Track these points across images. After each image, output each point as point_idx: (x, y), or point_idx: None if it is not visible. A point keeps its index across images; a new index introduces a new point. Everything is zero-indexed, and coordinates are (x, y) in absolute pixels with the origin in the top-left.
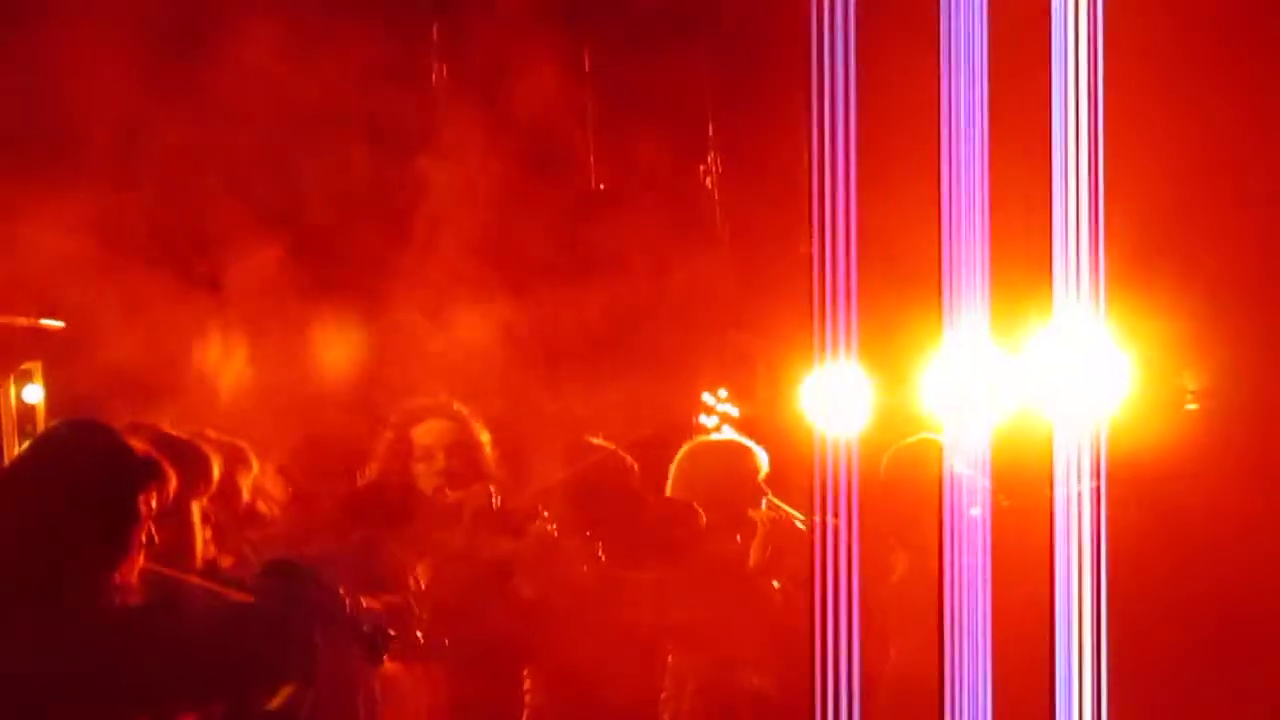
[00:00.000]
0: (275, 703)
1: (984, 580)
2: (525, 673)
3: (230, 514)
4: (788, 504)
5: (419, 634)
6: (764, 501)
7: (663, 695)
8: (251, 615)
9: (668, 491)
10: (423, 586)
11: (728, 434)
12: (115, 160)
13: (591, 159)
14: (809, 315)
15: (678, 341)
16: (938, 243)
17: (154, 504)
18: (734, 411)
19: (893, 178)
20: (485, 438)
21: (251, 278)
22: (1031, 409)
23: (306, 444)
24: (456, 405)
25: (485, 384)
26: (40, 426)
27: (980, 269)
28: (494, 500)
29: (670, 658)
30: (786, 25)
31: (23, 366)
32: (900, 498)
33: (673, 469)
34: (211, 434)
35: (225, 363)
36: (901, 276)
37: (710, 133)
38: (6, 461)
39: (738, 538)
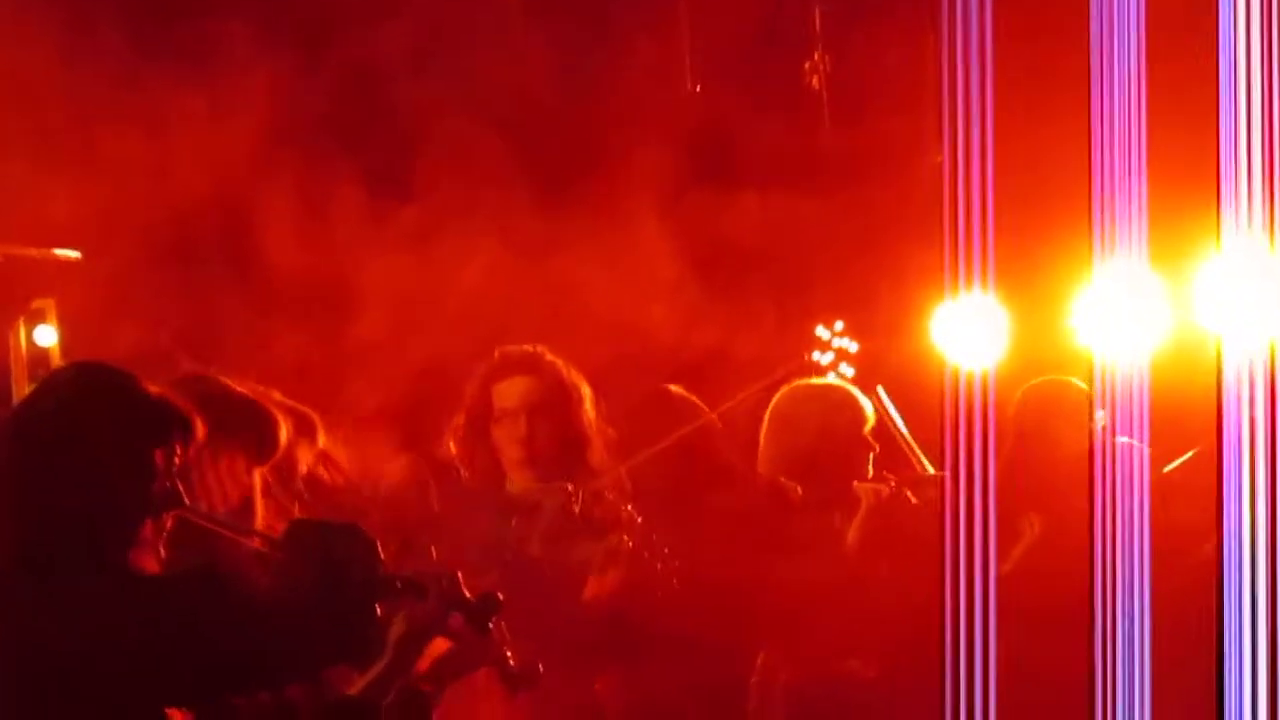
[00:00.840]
0: (357, 687)
1: (1141, 556)
2: (598, 685)
3: (288, 488)
4: (905, 460)
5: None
6: (869, 458)
7: (752, 681)
8: (291, 584)
9: (760, 447)
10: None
11: (831, 380)
12: None
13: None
14: (939, 236)
15: (787, 270)
16: (1087, 154)
17: (175, 458)
18: (851, 347)
19: (1034, 82)
20: (585, 392)
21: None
22: (1193, 342)
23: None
24: (549, 357)
25: (588, 326)
26: None
27: (1136, 185)
28: (575, 502)
29: (761, 654)
30: None
31: (34, 305)
32: (1033, 448)
33: (765, 423)
34: (278, 396)
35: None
36: (1045, 192)
37: (817, 26)
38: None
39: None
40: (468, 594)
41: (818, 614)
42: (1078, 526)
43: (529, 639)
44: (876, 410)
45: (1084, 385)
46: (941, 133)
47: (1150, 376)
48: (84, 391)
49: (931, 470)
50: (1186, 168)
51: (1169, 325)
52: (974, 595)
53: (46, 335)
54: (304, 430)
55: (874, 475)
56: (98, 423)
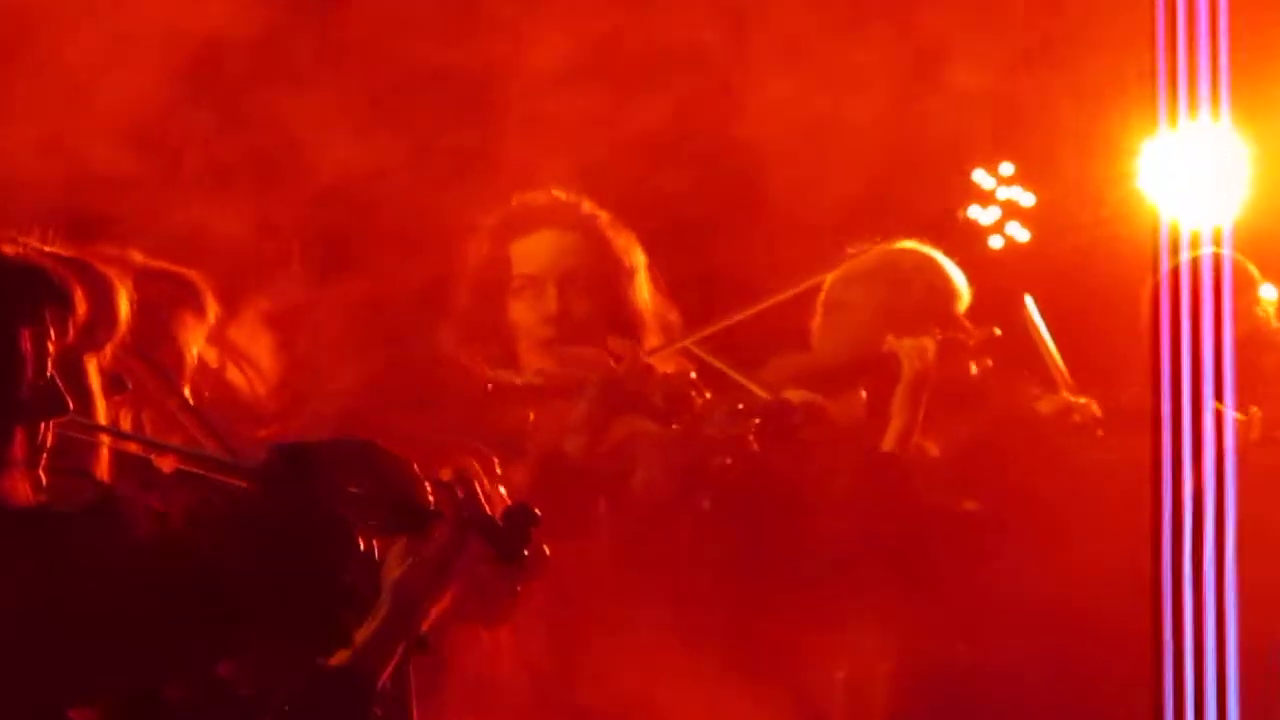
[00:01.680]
0: (340, 659)
1: None
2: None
3: (168, 387)
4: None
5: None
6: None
7: (841, 677)
8: (246, 521)
9: (815, 332)
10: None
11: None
12: None
13: None
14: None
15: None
16: None
17: (49, 343)
18: (1024, 199)
19: None
20: (638, 259)
21: None
22: None
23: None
24: (589, 207)
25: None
26: None
27: None
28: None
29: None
30: None
31: None
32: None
33: (816, 315)
34: (137, 257)
35: None
36: None
37: None
38: None
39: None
40: (490, 509)
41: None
42: None
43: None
44: (1028, 320)
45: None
46: None
47: None
48: None
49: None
50: None
51: None
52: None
53: None
54: (183, 300)
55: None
56: None
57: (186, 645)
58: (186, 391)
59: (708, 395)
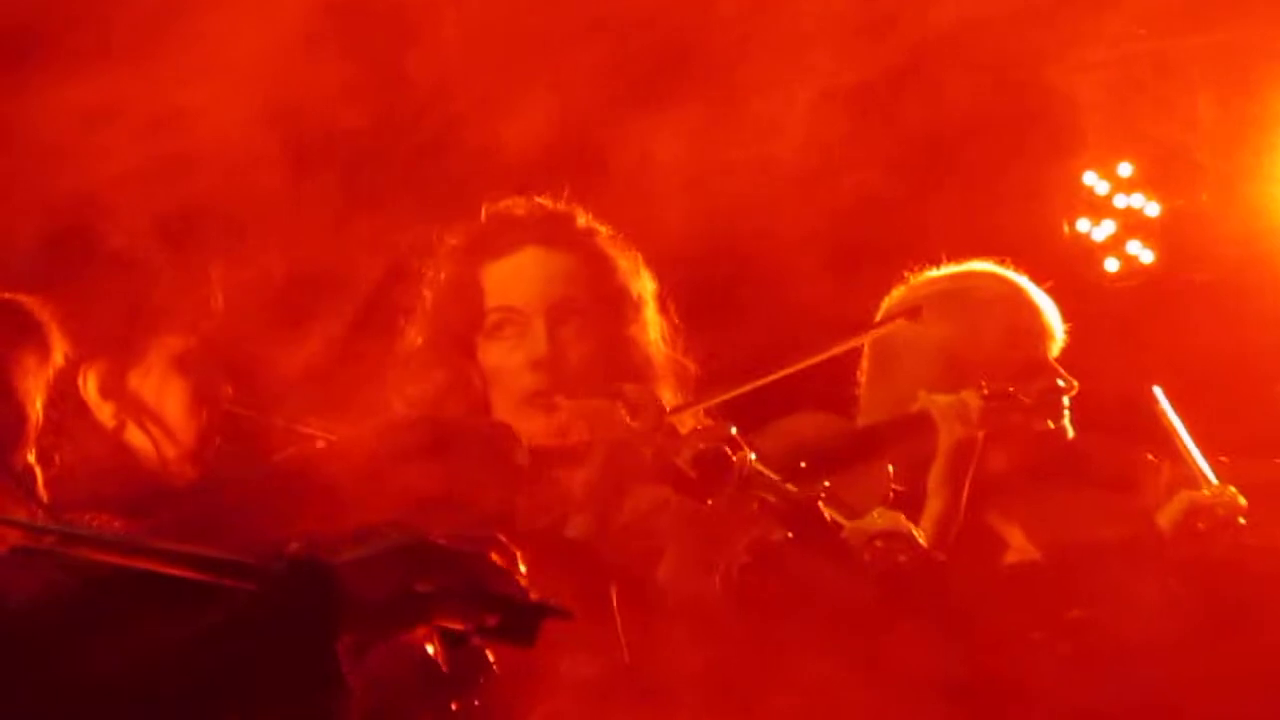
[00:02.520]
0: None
1: None
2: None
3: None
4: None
5: None
6: (1063, 401)
7: None
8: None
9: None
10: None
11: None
12: None
13: None
14: None
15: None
16: None
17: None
18: (1149, 209)
19: None
20: (646, 286)
21: None
22: None
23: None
24: (584, 220)
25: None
26: None
27: None
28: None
29: None
30: None
31: None
32: None
33: (864, 361)
34: None
35: None
36: None
37: None
38: None
39: None
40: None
41: None
42: None
43: None
44: (1158, 413)
45: None
46: None
47: None
48: None
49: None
50: None
51: None
52: None
53: None
54: (16, 338)
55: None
56: None
57: None
58: (31, 458)
59: (752, 458)
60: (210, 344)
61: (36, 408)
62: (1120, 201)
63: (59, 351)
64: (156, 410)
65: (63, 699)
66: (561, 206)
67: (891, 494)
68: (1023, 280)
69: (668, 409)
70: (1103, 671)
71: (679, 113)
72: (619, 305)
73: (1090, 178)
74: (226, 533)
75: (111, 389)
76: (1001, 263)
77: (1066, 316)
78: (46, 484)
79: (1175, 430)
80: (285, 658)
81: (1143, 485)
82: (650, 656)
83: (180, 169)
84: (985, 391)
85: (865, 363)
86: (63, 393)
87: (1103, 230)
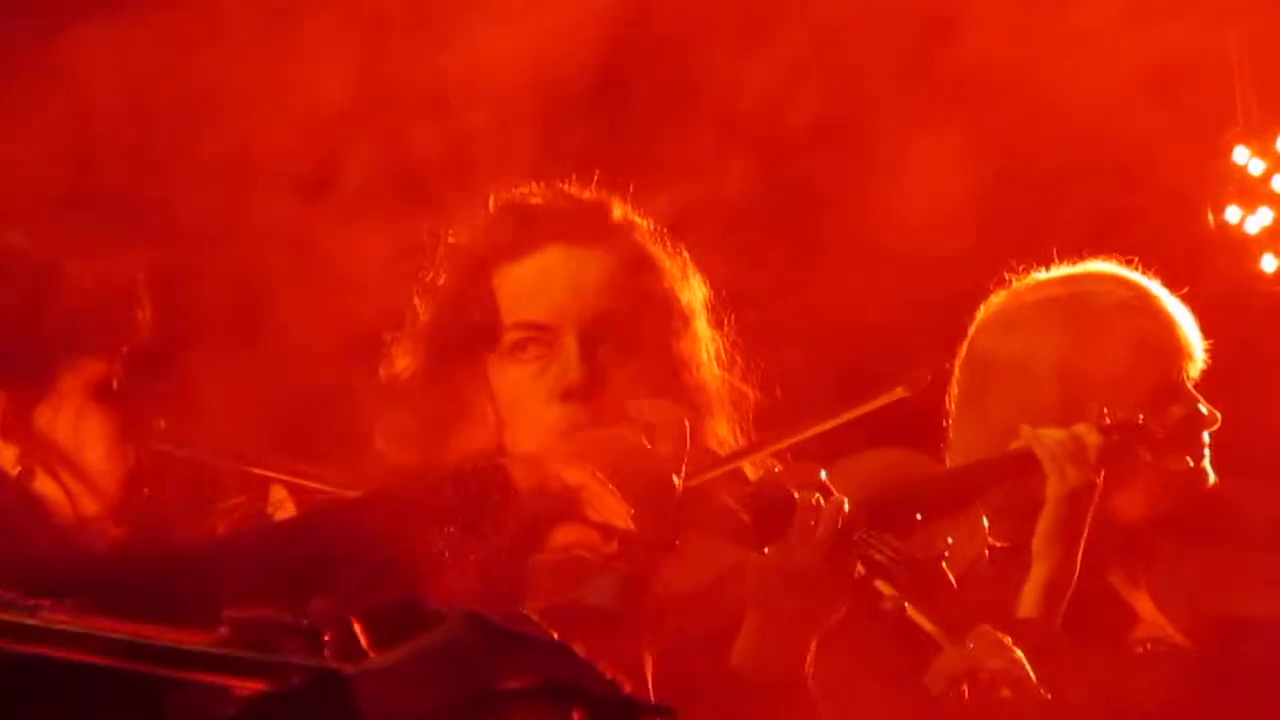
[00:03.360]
0: None
1: None
2: None
3: None
4: None
5: None
6: (1204, 437)
7: None
8: None
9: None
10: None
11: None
12: None
13: None
14: None
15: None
16: None
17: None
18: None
19: None
20: (697, 293)
21: None
22: None
23: None
24: (621, 210)
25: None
26: None
27: None
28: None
29: None
30: None
31: None
32: None
33: (958, 364)
34: None
35: None
36: None
37: None
38: None
39: None
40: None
41: None
42: None
43: None
44: None
45: None
46: None
47: None
48: None
49: None
50: None
51: None
52: None
53: None
54: None
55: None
56: None
57: None
58: None
59: (816, 500)
60: (137, 368)
61: None
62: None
63: None
64: (71, 453)
65: None
66: (591, 194)
67: (986, 554)
68: (1153, 284)
69: (721, 447)
70: None
71: None
72: (665, 317)
73: (1241, 155)
74: (161, 609)
75: (13, 428)
76: (1127, 262)
77: (1209, 329)
78: None
79: None
80: None
81: None
82: None
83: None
84: (1106, 423)
85: (955, 387)
86: None
87: (1257, 220)
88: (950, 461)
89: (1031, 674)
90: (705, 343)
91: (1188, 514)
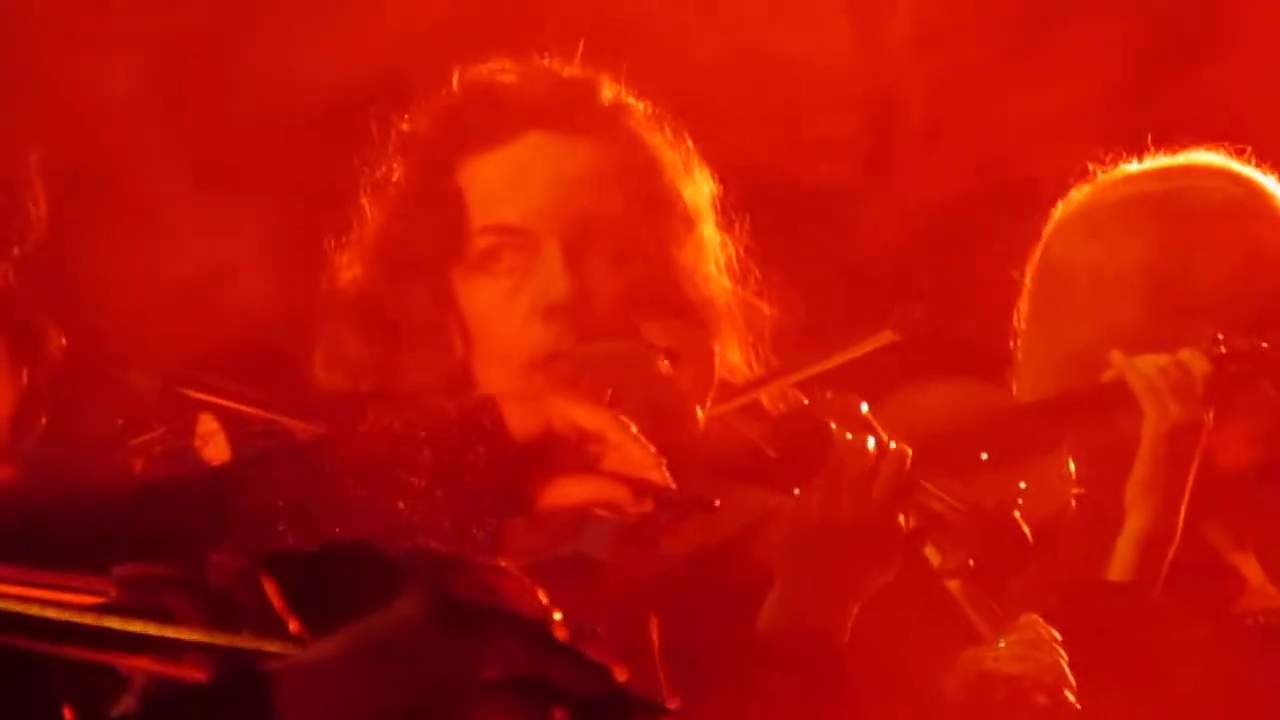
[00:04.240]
0: None
1: None
2: None
3: None
4: None
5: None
6: None
7: None
8: None
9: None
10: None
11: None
12: None
13: None
14: None
15: None
16: None
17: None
18: None
19: None
20: (704, 190)
21: None
22: None
23: None
24: (608, 90)
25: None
26: None
27: None
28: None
29: None
30: None
31: None
32: None
33: (1030, 271)
34: None
35: None
36: None
37: None
38: None
39: None
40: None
41: None
42: None
43: None
44: None
45: None
46: None
47: None
48: None
49: None
50: None
51: None
52: None
53: None
54: None
55: None
56: None
57: None
58: None
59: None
60: (29, 274)
61: None
62: None
63: None
64: None
65: None
66: (576, 71)
67: (1072, 502)
68: (1270, 181)
69: (733, 375)
70: None
71: None
72: (665, 219)
73: None
74: (50, 563)
75: None
76: (1240, 154)
77: None
78: None
79: None
80: None
81: None
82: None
83: None
84: (1220, 350)
85: (1025, 302)
86: None
87: None
88: (1017, 390)
89: (1070, 677)
90: (713, 250)
91: None
